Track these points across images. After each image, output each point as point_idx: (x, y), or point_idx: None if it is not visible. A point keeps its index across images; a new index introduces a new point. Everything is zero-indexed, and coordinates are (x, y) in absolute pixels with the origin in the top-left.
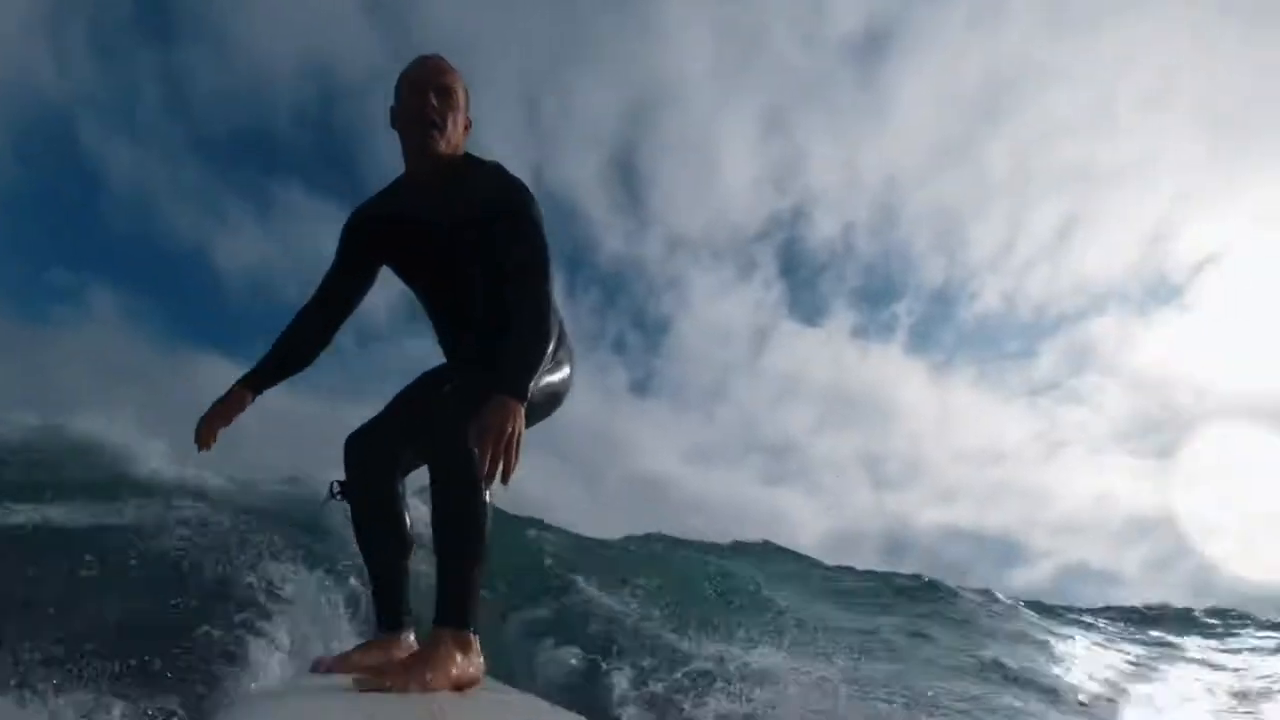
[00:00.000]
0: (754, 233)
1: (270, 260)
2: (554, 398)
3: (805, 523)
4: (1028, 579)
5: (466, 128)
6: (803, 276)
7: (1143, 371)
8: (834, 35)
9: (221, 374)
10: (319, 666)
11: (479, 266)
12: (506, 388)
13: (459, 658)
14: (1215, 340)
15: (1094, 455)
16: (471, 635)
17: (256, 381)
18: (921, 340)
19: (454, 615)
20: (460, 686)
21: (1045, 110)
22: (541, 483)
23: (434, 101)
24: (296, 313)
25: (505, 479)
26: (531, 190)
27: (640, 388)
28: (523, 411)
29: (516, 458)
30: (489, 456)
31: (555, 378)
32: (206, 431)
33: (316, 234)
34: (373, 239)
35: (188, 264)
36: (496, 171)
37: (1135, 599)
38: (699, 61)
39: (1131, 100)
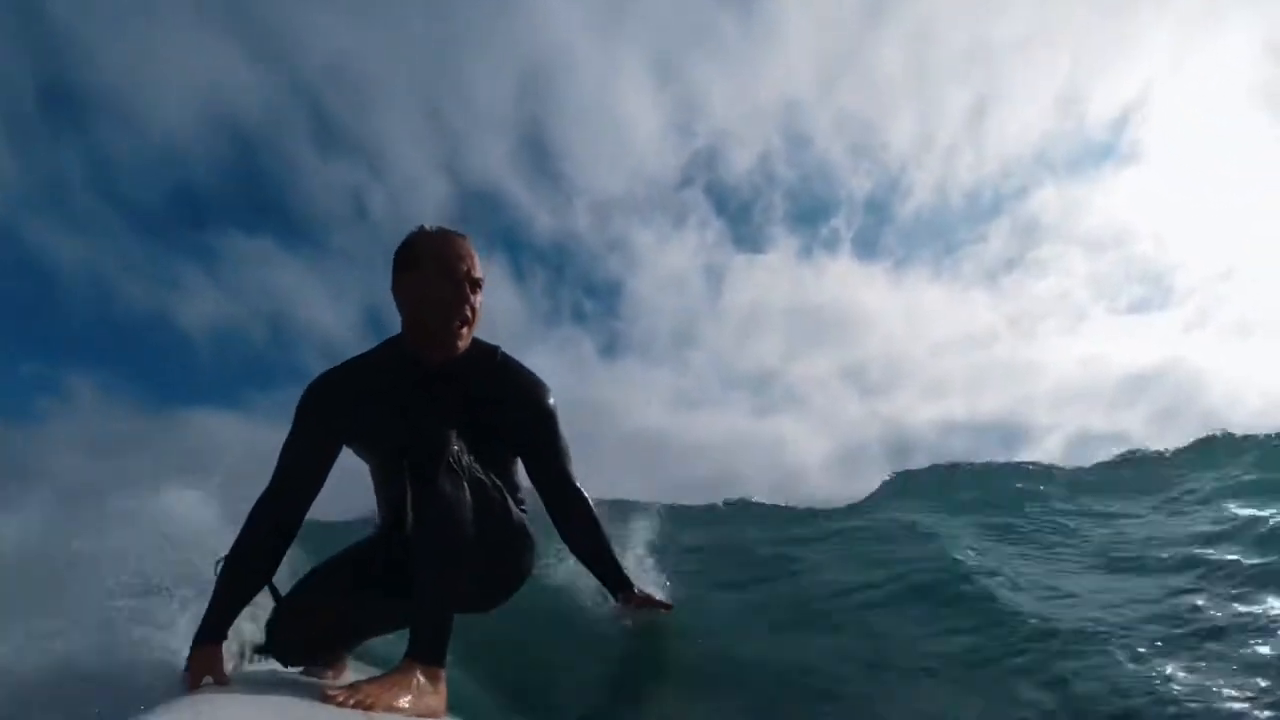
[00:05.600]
0: (675, 181)
1: (227, 306)
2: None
3: (805, 445)
4: (1037, 455)
5: None
6: (734, 212)
7: (1098, 232)
8: None
9: (211, 423)
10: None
11: (482, 460)
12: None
13: (427, 689)
14: (1160, 186)
15: (1073, 323)
16: (440, 671)
17: (224, 631)
18: (868, 249)
19: (427, 651)
20: (422, 716)
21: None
22: None
23: (470, 296)
24: (252, 520)
25: None
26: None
27: (608, 351)
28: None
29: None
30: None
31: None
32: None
33: (262, 272)
34: (352, 421)
35: (153, 330)
36: (511, 364)
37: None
38: (576, 23)
39: None
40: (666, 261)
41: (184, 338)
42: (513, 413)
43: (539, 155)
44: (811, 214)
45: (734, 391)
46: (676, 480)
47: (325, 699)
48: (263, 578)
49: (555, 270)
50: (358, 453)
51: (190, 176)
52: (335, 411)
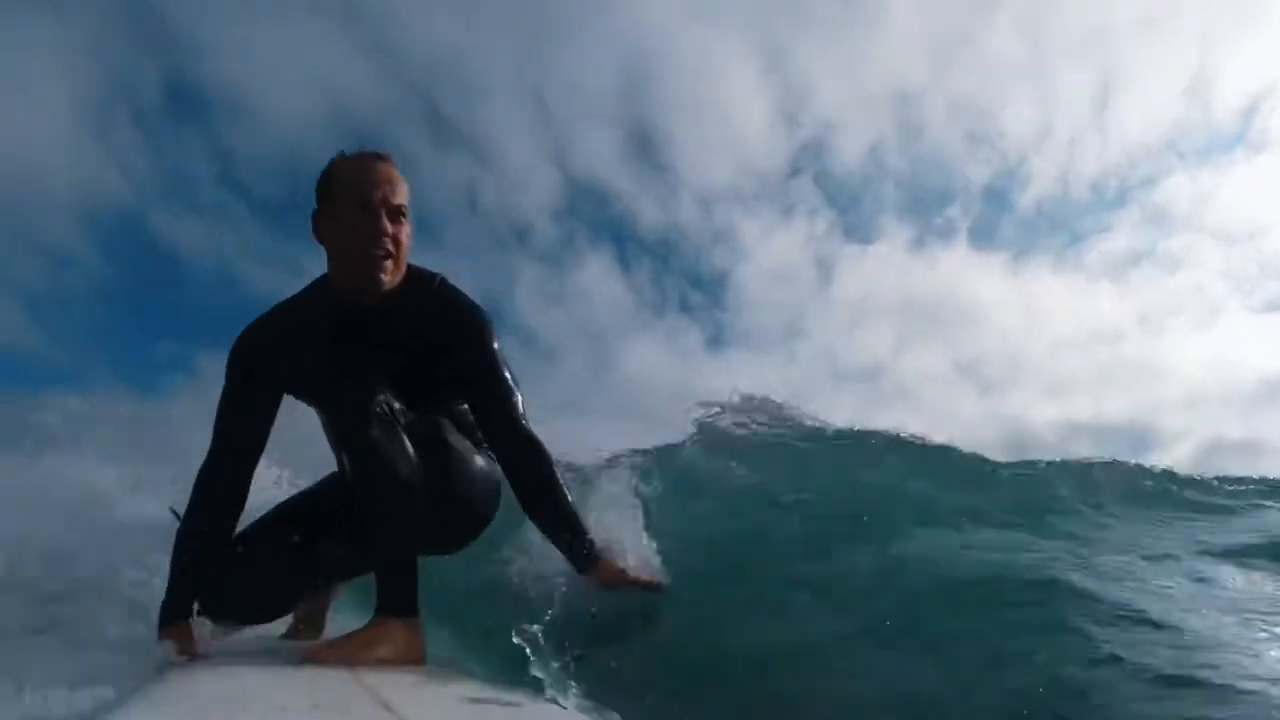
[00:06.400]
0: (783, 171)
1: None
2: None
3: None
4: (1166, 463)
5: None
6: (844, 202)
7: (1231, 224)
8: None
9: None
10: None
11: (430, 400)
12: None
13: (403, 639)
14: None
15: (1206, 319)
16: (415, 620)
17: (187, 610)
18: (985, 239)
19: (397, 604)
20: (403, 663)
21: None
22: None
23: (388, 227)
24: (198, 490)
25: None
26: (487, 313)
27: (715, 341)
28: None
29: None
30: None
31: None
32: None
33: None
34: (286, 371)
35: None
36: (447, 295)
37: None
38: (678, 11)
39: None
40: (774, 252)
41: None
42: (450, 348)
43: (645, 147)
44: (925, 204)
45: (844, 384)
46: None
47: (307, 659)
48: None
49: (661, 261)
50: (300, 399)
51: (310, 169)
52: (265, 363)
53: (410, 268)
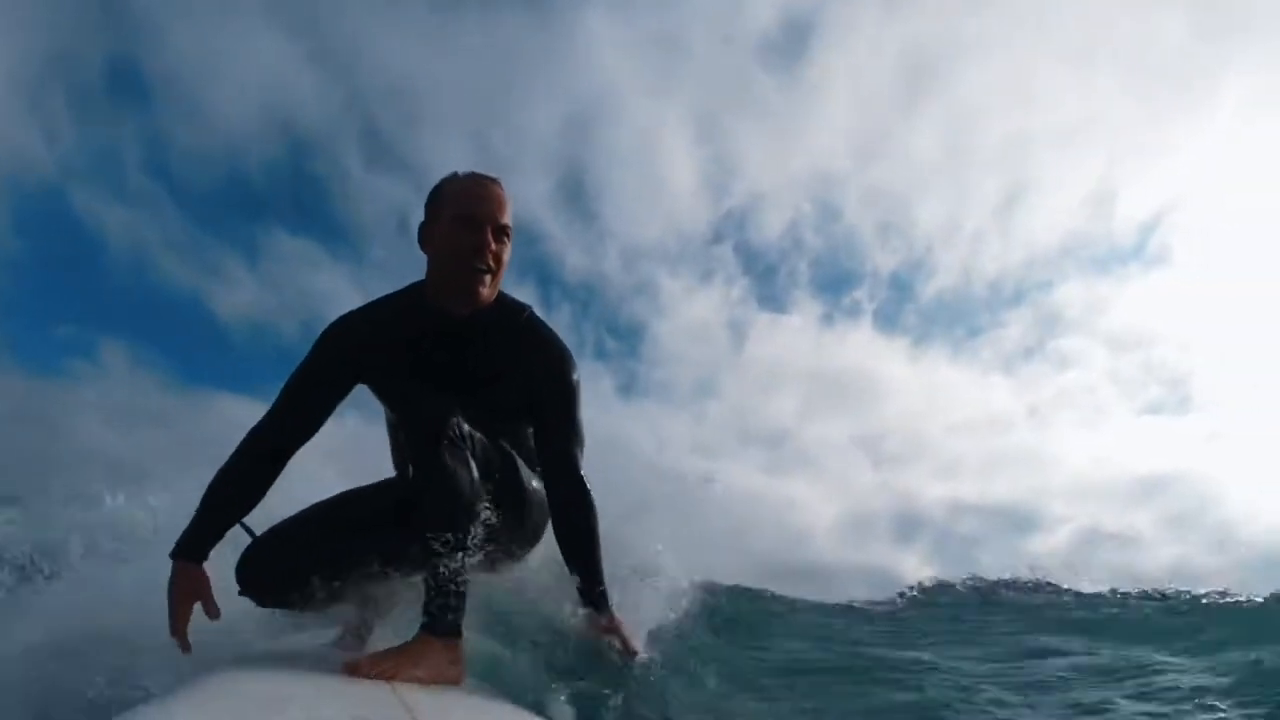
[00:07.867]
0: (706, 236)
1: (263, 299)
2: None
3: (814, 507)
4: (1047, 546)
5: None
6: (761, 272)
7: (1121, 331)
8: (752, 34)
9: (231, 409)
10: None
11: (499, 422)
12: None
13: (443, 660)
14: (1188, 292)
15: (1093, 418)
16: (456, 641)
17: (204, 549)
18: (889, 323)
19: (441, 624)
20: (440, 683)
21: (969, 86)
22: None
23: (492, 244)
24: (247, 441)
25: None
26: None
27: (627, 390)
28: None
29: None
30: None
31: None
32: (184, 630)
33: (301, 271)
34: (371, 364)
35: (188, 311)
36: (536, 327)
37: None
38: (626, 74)
39: (1056, 63)
40: (691, 312)
41: (217, 322)
42: (529, 376)
43: (577, 195)
44: (835, 283)
45: (749, 446)
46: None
47: (347, 670)
48: (247, 502)
49: (582, 305)
50: (375, 394)
51: (242, 169)
52: (351, 353)
53: (502, 293)
